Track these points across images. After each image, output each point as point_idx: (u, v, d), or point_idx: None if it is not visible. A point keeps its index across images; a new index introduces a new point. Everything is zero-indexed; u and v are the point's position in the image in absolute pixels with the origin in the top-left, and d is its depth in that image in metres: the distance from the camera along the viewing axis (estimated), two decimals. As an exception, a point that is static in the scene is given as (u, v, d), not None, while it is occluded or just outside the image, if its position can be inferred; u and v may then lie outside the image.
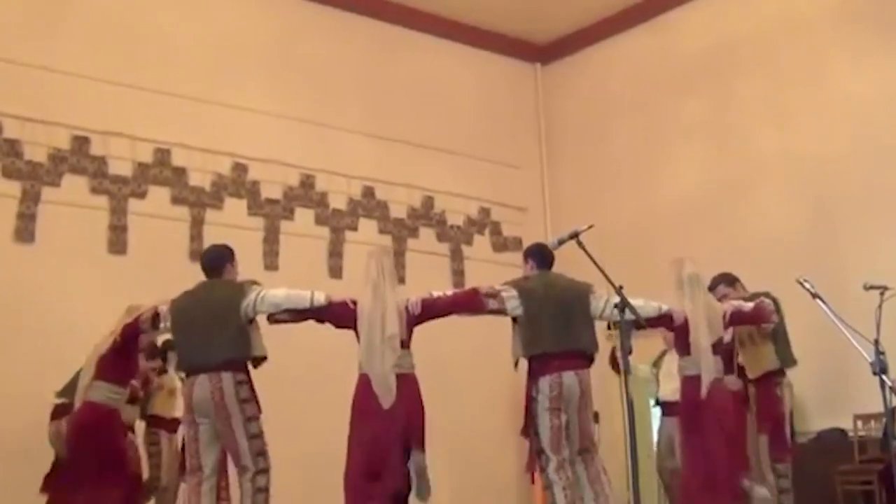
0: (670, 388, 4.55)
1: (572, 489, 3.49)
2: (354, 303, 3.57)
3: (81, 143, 5.43)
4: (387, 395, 3.43)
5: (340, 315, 3.58)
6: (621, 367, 3.14)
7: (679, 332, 3.92)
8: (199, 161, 5.78)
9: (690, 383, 3.87)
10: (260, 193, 6.05)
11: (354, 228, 6.39)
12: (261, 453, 3.49)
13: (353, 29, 6.67)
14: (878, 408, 3.47)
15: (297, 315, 3.62)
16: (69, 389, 4.25)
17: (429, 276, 6.41)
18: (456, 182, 6.86)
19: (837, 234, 5.67)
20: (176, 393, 4.75)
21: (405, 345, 3.58)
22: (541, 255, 3.80)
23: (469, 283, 6.72)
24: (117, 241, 5.43)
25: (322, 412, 5.32)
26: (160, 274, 5.22)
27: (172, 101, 5.69)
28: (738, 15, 6.44)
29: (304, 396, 5.43)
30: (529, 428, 3.61)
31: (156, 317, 3.70)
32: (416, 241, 6.67)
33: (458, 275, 6.83)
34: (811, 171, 5.87)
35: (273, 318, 3.64)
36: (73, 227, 5.24)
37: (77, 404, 3.84)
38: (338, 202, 6.36)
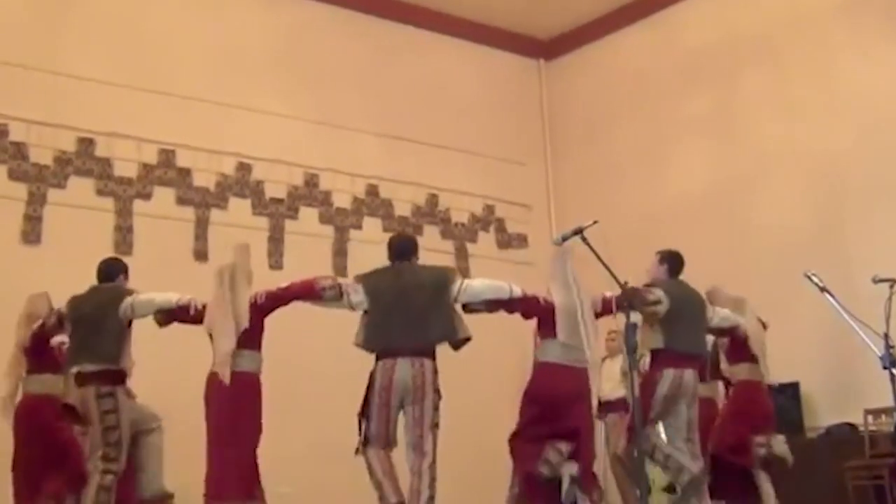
0: (608, 388, 5.18)
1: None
2: (546, 300, 3.78)
3: (87, 145, 5.44)
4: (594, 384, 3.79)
5: (531, 307, 3.81)
6: (628, 366, 3.17)
7: (739, 343, 4.40)
8: (203, 161, 5.80)
9: (747, 386, 4.45)
10: (264, 193, 6.05)
11: (359, 227, 6.39)
12: (436, 443, 3.58)
13: (356, 27, 6.66)
14: (889, 402, 3.43)
15: (493, 305, 3.80)
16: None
17: (434, 275, 6.39)
18: (460, 179, 6.85)
19: (845, 227, 5.63)
20: None
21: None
22: (675, 264, 4.16)
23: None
24: (123, 242, 5.45)
25: (336, 404, 5.38)
26: (166, 274, 5.22)
27: (176, 102, 5.70)
28: (743, 8, 6.40)
29: (319, 389, 5.45)
30: (650, 410, 3.91)
31: (338, 287, 3.63)
32: (420, 239, 6.56)
33: (464, 273, 6.80)
34: (818, 165, 5.83)
35: (470, 308, 3.78)
36: (79, 228, 5.26)
37: (223, 377, 3.51)
38: (342, 201, 6.35)
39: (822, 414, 5.48)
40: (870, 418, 5.12)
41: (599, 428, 4.89)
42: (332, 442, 5.26)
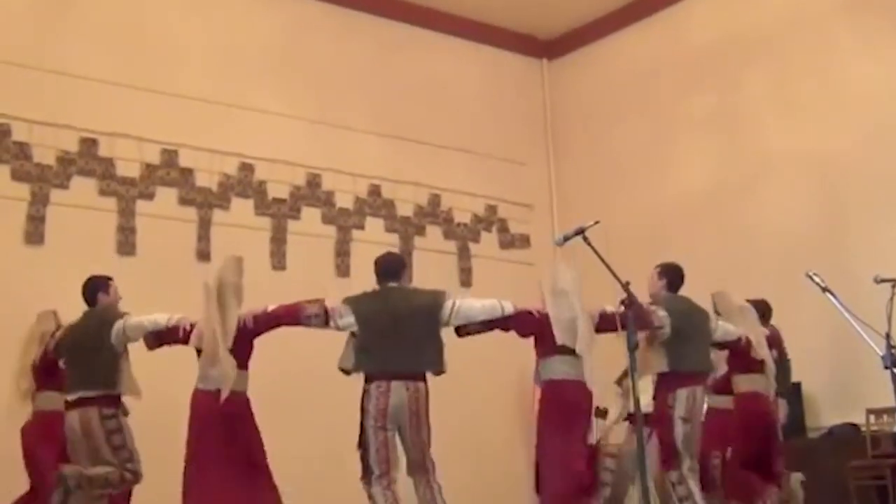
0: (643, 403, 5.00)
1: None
2: (539, 312, 3.71)
3: (89, 145, 5.45)
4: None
5: (525, 323, 3.73)
6: (629, 365, 3.17)
7: (741, 353, 4.28)
8: (205, 162, 5.80)
9: (750, 398, 4.30)
10: (267, 193, 6.05)
11: (361, 227, 6.39)
12: (432, 459, 3.61)
13: (358, 27, 6.66)
14: (891, 402, 3.43)
15: (487, 326, 3.72)
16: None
17: (436, 275, 6.39)
18: (462, 179, 6.84)
19: (847, 227, 5.63)
20: None
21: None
22: (675, 278, 4.05)
23: (477, 282, 6.77)
24: (126, 242, 5.46)
25: (322, 414, 5.38)
26: (169, 275, 5.25)
27: (179, 102, 5.71)
28: (745, 7, 6.39)
29: (306, 400, 5.45)
30: (665, 431, 3.85)
31: (325, 314, 3.57)
32: (422, 240, 6.67)
33: (466, 273, 6.82)
34: (821, 164, 5.82)
35: (465, 331, 3.71)
36: (82, 228, 5.27)
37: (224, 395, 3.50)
38: (344, 201, 6.35)
39: (825, 414, 5.48)
40: (872, 418, 5.12)
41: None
42: (333, 444, 5.29)
